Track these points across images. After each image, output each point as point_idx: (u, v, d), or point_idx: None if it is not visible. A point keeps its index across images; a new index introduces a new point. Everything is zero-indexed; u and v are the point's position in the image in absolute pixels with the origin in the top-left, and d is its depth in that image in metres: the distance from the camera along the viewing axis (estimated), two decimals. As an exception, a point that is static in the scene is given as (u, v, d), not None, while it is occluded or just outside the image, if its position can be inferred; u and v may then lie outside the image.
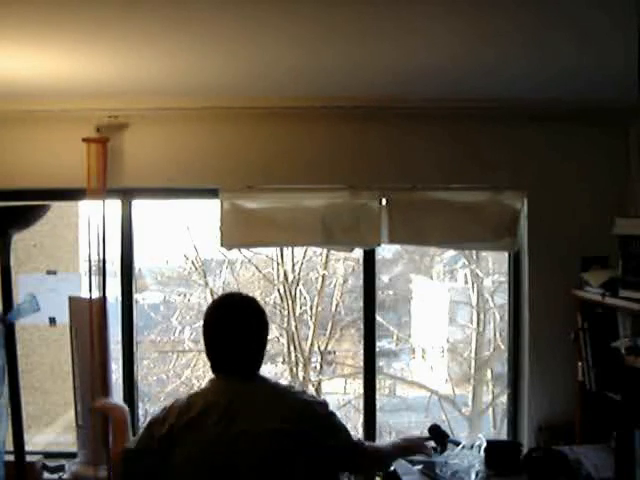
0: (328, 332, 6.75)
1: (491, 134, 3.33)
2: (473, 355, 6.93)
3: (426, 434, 2.94)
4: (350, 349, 7.08)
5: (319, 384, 6.65)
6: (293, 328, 6.49)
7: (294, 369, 6.47)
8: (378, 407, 3.64)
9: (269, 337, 2.24)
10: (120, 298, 3.47)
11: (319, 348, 6.69)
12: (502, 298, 5.94)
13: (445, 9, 2.03)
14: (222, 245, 3.37)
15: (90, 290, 3.24)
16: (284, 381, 6.26)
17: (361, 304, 3.59)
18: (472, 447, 3.04)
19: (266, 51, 2.48)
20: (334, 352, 7.04)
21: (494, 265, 6.76)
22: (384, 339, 6.98)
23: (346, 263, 6.65)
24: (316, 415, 2.06)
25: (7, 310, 2.70)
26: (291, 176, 3.33)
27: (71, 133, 3.22)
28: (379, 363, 6.45)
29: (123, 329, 3.48)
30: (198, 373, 6.46)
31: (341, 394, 7.03)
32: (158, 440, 1.99)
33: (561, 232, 3.29)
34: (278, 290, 6.49)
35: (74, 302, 3.29)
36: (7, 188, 3.25)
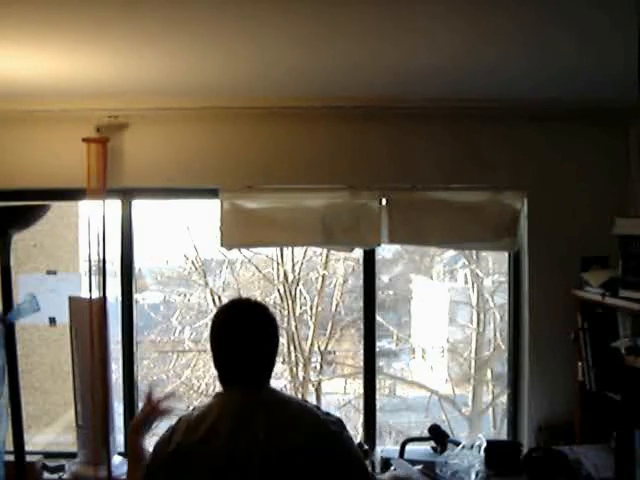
0: (328, 332, 6.75)
1: (491, 134, 3.33)
2: (473, 355, 6.93)
3: (426, 434, 2.95)
4: (350, 349, 7.09)
5: (319, 384, 6.65)
6: (293, 328, 6.49)
7: (294, 369, 6.47)
8: (378, 407, 3.64)
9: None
10: (120, 298, 3.47)
11: (319, 348, 6.69)
12: (502, 298, 5.94)
13: (445, 8, 2.03)
14: (222, 245, 3.37)
15: (90, 290, 3.24)
16: (284, 381, 6.27)
17: (361, 304, 3.60)
18: (472, 447, 3.05)
19: (266, 51, 2.48)
20: (334, 352, 7.05)
21: (494, 265, 6.76)
22: (384, 339, 6.99)
23: (346, 263, 6.65)
24: (332, 437, 1.89)
25: (7, 310, 2.71)
26: (291, 176, 3.33)
27: (71, 133, 3.22)
28: (379, 363, 6.45)
29: (123, 329, 3.48)
30: (198, 373, 6.45)
31: (341, 394, 7.04)
32: (165, 461, 1.87)
33: (561, 232, 3.29)
34: (278, 290, 6.49)
35: (74, 302, 3.29)
36: (7, 188, 3.25)
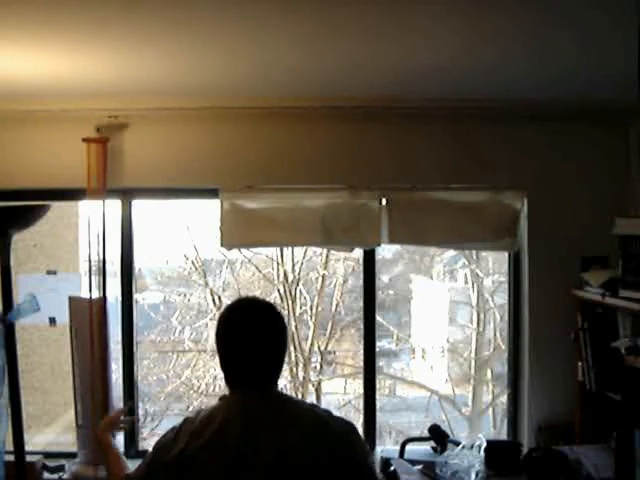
0: (328, 332, 6.75)
1: (491, 134, 3.33)
2: (473, 355, 6.93)
3: (426, 434, 2.94)
4: (350, 349, 7.09)
5: (319, 384, 6.66)
6: (293, 328, 6.49)
7: (294, 369, 6.47)
8: (378, 407, 3.64)
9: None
10: (120, 298, 3.47)
11: (319, 348, 6.69)
12: (502, 298, 5.94)
13: (445, 8, 2.03)
14: (222, 245, 3.37)
15: (90, 290, 3.24)
16: (284, 381, 6.27)
17: (361, 304, 3.60)
18: (472, 447, 3.04)
19: (266, 51, 2.48)
20: (334, 352, 7.05)
21: (494, 265, 6.76)
22: (384, 339, 6.99)
23: (346, 263, 6.65)
24: (344, 439, 1.84)
25: (7, 310, 2.70)
26: (291, 176, 3.33)
27: (71, 133, 3.22)
28: (379, 363, 6.45)
29: (123, 329, 3.48)
30: (198, 373, 6.44)
31: (341, 394, 7.04)
32: (165, 466, 1.80)
33: (561, 232, 3.29)
34: (278, 290, 6.49)
35: (74, 302, 3.29)
36: (7, 188, 3.25)
